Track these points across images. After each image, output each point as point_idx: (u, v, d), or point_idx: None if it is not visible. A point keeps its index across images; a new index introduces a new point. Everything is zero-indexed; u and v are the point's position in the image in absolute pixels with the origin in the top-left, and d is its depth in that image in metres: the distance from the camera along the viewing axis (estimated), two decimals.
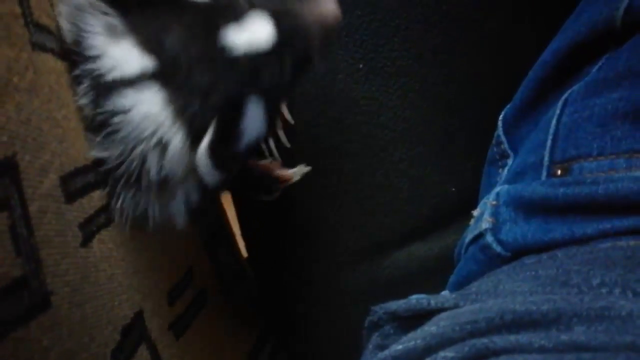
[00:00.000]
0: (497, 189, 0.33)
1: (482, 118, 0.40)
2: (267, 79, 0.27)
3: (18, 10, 0.24)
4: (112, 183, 0.27)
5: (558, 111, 0.32)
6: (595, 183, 0.28)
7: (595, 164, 0.29)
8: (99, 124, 0.26)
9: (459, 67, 0.41)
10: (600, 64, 0.32)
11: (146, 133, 0.26)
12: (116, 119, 0.25)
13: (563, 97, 0.32)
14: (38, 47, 0.25)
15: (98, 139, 0.26)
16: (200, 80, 0.26)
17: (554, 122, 0.32)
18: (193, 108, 0.26)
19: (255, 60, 0.26)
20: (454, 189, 0.40)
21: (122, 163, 0.26)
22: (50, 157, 0.24)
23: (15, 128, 0.22)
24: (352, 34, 0.39)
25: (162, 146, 0.26)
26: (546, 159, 0.31)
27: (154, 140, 0.26)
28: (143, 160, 0.26)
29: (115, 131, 0.26)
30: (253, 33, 0.26)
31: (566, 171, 0.30)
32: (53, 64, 0.26)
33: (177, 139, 0.26)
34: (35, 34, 0.25)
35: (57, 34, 0.27)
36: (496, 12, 0.41)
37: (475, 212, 0.34)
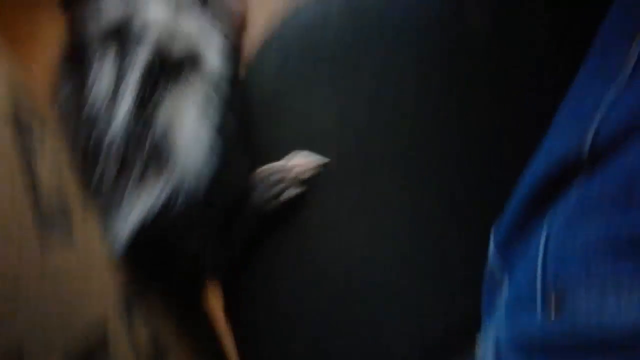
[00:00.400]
0: (495, 326, 0.32)
1: (477, 240, 0.40)
2: None
3: (28, 200, 0.27)
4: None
5: (543, 241, 0.32)
6: (588, 322, 0.27)
7: (585, 300, 0.28)
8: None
9: (449, 186, 0.42)
10: (575, 188, 0.33)
11: None
12: None
13: (546, 226, 0.33)
14: (47, 231, 0.28)
15: None
16: None
17: (541, 253, 0.32)
18: None
19: None
20: (457, 313, 0.40)
21: None
22: (55, 338, 0.27)
23: (23, 321, 0.25)
24: (347, 177, 0.42)
25: None
26: (539, 294, 0.31)
27: None
28: None
29: None
30: None
31: (559, 308, 0.29)
32: (61, 248, 0.30)
33: None
34: (45, 220, 0.29)
35: (67, 213, 0.31)
36: (482, 132, 0.42)
37: (479, 349, 0.34)
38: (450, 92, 0.41)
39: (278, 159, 0.41)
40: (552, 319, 0.29)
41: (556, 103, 0.37)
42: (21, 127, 0.28)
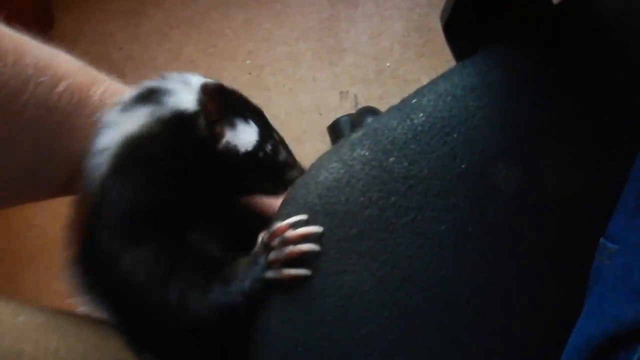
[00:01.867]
0: None
1: None
2: None
3: None
4: None
5: None
6: None
7: None
8: None
9: (500, 340, 0.41)
10: (637, 354, 0.32)
11: None
12: None
13: None
14: None
15: None
16: None
17: None
18: None
19: None
20: None
21: None
22: None
23: None
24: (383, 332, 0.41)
25: None
26: None
27: None
28: None
29: None
30: None
31: None
32: None
33: None
34: None
35: None
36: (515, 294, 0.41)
37: None
38: (486, 238, 0.41)
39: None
40: None
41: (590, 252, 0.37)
42: None
